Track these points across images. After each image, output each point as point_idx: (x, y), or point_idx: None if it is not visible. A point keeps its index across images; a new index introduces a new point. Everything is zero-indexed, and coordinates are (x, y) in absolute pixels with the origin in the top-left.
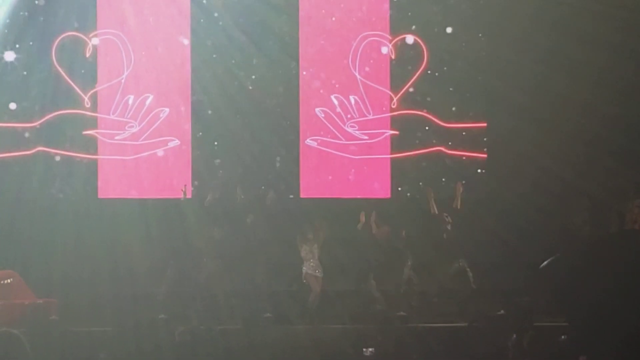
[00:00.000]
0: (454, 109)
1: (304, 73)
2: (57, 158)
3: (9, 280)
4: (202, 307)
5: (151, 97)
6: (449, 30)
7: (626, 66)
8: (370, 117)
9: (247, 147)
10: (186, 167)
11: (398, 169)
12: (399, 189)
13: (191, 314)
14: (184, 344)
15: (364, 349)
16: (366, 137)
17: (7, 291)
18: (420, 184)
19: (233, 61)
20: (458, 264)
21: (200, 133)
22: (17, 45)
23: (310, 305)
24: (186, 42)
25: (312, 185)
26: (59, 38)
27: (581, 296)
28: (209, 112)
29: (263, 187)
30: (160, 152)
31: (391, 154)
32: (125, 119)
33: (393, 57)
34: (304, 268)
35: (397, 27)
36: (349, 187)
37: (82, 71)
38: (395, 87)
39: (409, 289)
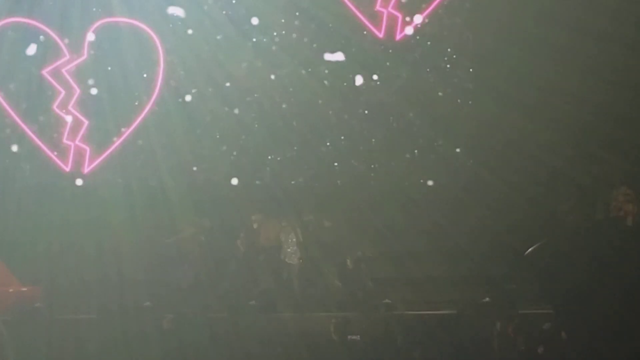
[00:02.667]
0: (440, 93)
1: None
2: (40, 142)
3: None
4: (188, 295)
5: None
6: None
7: (613, 54)
8: None
9: (234, 134)
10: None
11: None
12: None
13: (177, 301)
14: (169, 331)
15: (349, 336)
16: None
17: None
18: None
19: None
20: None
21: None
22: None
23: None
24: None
25: None
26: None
27: (566, 283)
28: (190, 97)
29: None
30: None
31: None
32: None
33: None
34: (282, 255)
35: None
36: None
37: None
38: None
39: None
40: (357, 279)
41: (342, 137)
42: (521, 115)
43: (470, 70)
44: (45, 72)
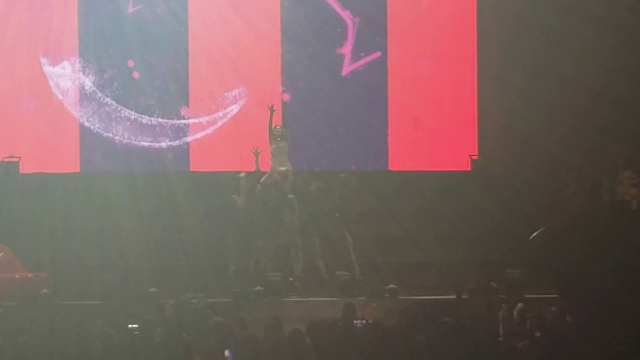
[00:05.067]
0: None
1: None
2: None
3: None
4: (193, 281)
5: None
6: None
7: (613, 40)
8: None
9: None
10: None
11: None
12: None
13: (181, 287)
14: (173, 317)
15: (355, 321)
16: None
17: None
18: None
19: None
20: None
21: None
22: None
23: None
24: None
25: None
26: None
27: (572, 267)
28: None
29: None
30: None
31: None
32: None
33: None
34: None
35: None
36: None
37: None
38: None
39: None
40: (361, 264)
41: (349, 130)
42: (522, 101)
43: (475, 57)
44: None
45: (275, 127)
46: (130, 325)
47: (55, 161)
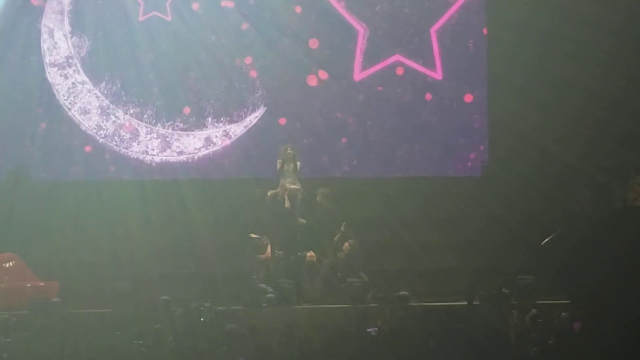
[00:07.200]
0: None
1: None
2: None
3: (10, 264)
4: (204, 289)
5: None
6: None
7: (626, 49)
8: None
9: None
10: None
11: None
12: None
13: (192, 295)
14: (184, 325)
15: (368, 329)
16: None
17: (8, 274)
18: None
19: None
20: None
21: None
22: None
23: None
24: None
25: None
26: None
27: (583, 273)
28: None
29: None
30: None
31: None
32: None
33: None
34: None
35: None
36: None
37: None
38: None
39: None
40: (372, 271)
41: (360, 136)
42: (533, 108)
43: (486, 63)
44: None
45: (286, 146)
46: (137, 342)
47: (65, 169)
